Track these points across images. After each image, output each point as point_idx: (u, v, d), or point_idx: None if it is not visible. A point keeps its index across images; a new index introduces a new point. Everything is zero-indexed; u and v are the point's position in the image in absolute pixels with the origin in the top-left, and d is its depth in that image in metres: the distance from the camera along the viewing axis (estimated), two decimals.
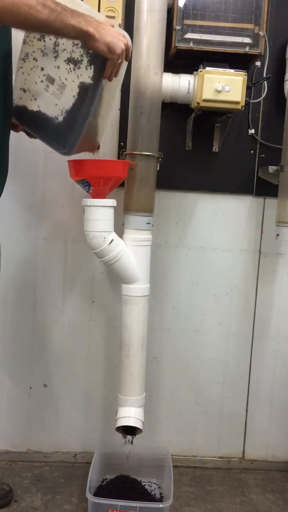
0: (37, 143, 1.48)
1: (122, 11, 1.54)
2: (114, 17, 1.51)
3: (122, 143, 1.71)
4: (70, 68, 1.26)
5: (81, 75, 1.25)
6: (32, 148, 1.69)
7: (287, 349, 1.88)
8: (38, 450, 1.86)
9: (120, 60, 1.20)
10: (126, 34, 1.24)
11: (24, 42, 1.31)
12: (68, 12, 1.09)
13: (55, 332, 1.82)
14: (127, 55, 1.23)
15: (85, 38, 1.14)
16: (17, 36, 1.32)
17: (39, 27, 1.10)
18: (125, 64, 1.32)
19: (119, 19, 1.53)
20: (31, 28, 1.17)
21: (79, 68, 1.25)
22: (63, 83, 1.27)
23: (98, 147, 1.50)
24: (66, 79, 1.27)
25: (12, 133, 1.39)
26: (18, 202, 1.75)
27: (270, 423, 1.90)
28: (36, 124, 1.34)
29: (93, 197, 1.46)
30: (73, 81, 1.26)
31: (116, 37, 1.16)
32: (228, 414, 1.89)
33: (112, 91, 1.37)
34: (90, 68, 1.23)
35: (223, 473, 1.86)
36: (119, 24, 1.52)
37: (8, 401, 1.83)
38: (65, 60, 1.26)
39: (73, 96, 1.27)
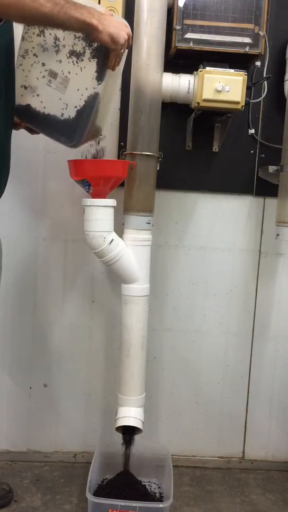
0: (37, 142, 1.49)
1: (122, 11, 1.54)
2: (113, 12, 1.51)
3: (122, 143, 1.71)
4: (72, 61, 1.26)
5: (84, 67, 1.25)
6: (32, 148, 1.70)
7: (287, 349, 1.88)
8: (38, 450, 1.86)
9: (123, 50, 1.21)
10: (126, 22, 1.25)
11: (23, 38, 1.31)
12: (71, 5, 1.10)
13: (55, 332, 1.82)
14: (129, 43, 1.24)
15: (88, 30, 1.14)
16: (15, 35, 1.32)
17: (42, 20, 1.10)
18: (125, 53, 1.32)
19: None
20: (35, 22, 1.17)
21: (82, 60, 1.25)
22: (66, 76, 1.27)
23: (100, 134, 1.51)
24: (69, 73, 1.27)
25: (12, 132, 1.38)
26: (18, 202, 1.75)
27: (270, 423, 1.90)
28: (41, 121, 1.34)
29: (93, 197, 1.46)
30: (76, 74, 1.26)
31: (119, 27, 1.17)
32: (228, 414, 1.89)
33: (114, 79, 1.37)
34: (94, 60, 1.24)
35: (223, 473, 1.86)
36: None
37: (8, 401, 1.83)
38: (67, 54, 1.26)
39: (78, 90, 1.27)
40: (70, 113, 1.29)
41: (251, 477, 1.85)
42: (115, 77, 1.37)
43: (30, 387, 1.83)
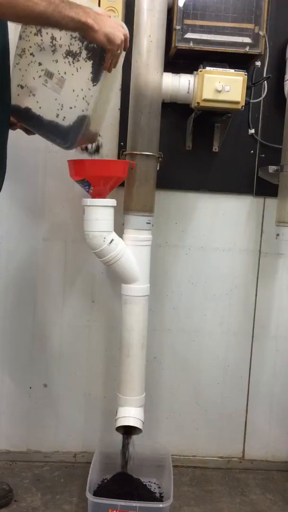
0: (37, 143, 1.49)
1: (122, 11, 1.54)
2: (113, 13, 1.51)
3: (122, 143, 1.71)
4: (69, 62, 1.26)
5: (80, 67, 1.25)
6: (32, 148, 1.70)
7: (287, 349, 1.88)
8: (38, 450, 1.86)
9: (119, 51, 1.20)
10: (124, 24, 1.24)
11: (21, 37, 1.30)
12: (66, 4, 1.09)
13: (55, 332, 1.82)
14: (126, 45, 1.23)
15: (84, 30, 1.13)
16: (11, 33, 1.32)
17: (37, 19, 1.10)
18: (123, 55, 1.31)
19: (119, 18, 1.53)
20: (29, 21, 1.16)
21: (78, 61, 1.24)
22: (62, 77, 1.27)
23: (99, 147, 1.50)
24: (65, 73, 1.27)
25: (12, 132, 1.39)
26: (18, 202, 1.75)
27: (270, 423, 1.90)
28: (36, 122, 1.34)
29: (93, 197, 1.46)
30: (72, 75, 1.26)
31: (115, 27, 1.16)
32: (228, 414, 1.89)
33: (110, 83, 1.36)
34: (89, 61, 1.23)
35: (223, 473, 1.86)
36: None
37: (8, 401, 1.83)
38: (63, 54, 1.26)
39: (73, 90, 1.26)
40: (65, 114, 1.29)
41: (251, 477, 1.85)
42: (112, 80, 1.36)
43: (30, 387, 1.83)
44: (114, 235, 1.47)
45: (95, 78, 1.24)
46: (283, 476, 1.86)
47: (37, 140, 1.42)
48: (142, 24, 1.48)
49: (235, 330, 1.86)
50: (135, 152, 1.53)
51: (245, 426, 1.90)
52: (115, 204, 1.47)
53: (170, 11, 1.54)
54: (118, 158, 1.72)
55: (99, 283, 1.81)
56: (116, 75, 1.38)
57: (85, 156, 1.50)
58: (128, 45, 1.26)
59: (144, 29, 1.48)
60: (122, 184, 1.55)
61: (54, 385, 1.84)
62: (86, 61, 1.24)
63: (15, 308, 1.80)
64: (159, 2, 1.48)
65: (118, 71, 1.36)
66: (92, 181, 1.43)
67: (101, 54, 1.21)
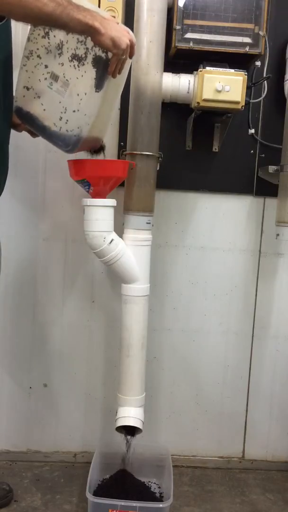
0: (37, 143, 1.49)
1: (122, 11, 1.54)
2: (114, 17, 1.51)
3: (122, 143, 1.71)
4: (74, 65, 1.26)
5: (85, 71, 1.25)
6: (32, 148, 1.70)
7: (287, 349, 1.88)
8: (38, 450, 1.86)
9: (124, 56, 1.20)
10: (130, 31, 1.24)
11: (29, 39, 1.30)
12: (74, 7, 1.10)
13: (55, 332, 1.82)
14: (132, 51, 1.23)
15: (90, 33, 1.14)
16: (16, 36, 1.32)
17: (45, 20, 1.10)
18: (129, 62, 1.31)
19: (119, 18, 1.53)
20: (37, 22, 1.17)
21: (83, 64, 1.25)
22: (67, 80, 1.27)
23: (103, 148, 1.49)
24: (70, 77, 1.27)
25: (12, 132, 1.39)
26: (18, 202, 1.75)
27: (270, 423, 1.90)
28: (39, 124, 1.34)
29: (93, 197, 1.46)
30: (77, 78, 1.26)
31: (121, 32, 1.17)
32: (228, 414, 1.89)
33: (115, 89, 1.36)
34: (94, 66, 1.23)
35: (223, 473, 1.86)
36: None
37: (8, 401, 1.83)
38: (69, 57, 1.26)
39: (77, 94, 1.27)
40: (68, 117, 1.29)
41: (251, 477, 1.85)
42: (116, 88, 1.36)
43: (30, 387, 1.83)
44: (114, 235, 1.47)
45: (99, 84, 1.24)
46: (283, 476, 1.86)
47: (37, 139, 1.42)
48: (142, 24, 1.48)
49: (235, 330, 1.86)
50: (135, 152, 1.53)
51: (245, 426, 1.90)
52: (115, 204, 1.47)
53: (170, 11, 1.54)
54: (118, 158, 1.72)
55: (99, 283, 1.81)
56: (121, 83, 1.38)
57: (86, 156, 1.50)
58: (134, 53, 1.26)
59: (144, 29, 1.48)
60: (122, 184, 1.55)
61: (54, 385, 1.84)
62: (91, 66, 1.24)
63: (15, 308, 1.80)
64: (159, 2, 1.48)
65: (123, 78, 1.36)
66: (92, 181, 1.43)
67: (106, 60, 1.21)
